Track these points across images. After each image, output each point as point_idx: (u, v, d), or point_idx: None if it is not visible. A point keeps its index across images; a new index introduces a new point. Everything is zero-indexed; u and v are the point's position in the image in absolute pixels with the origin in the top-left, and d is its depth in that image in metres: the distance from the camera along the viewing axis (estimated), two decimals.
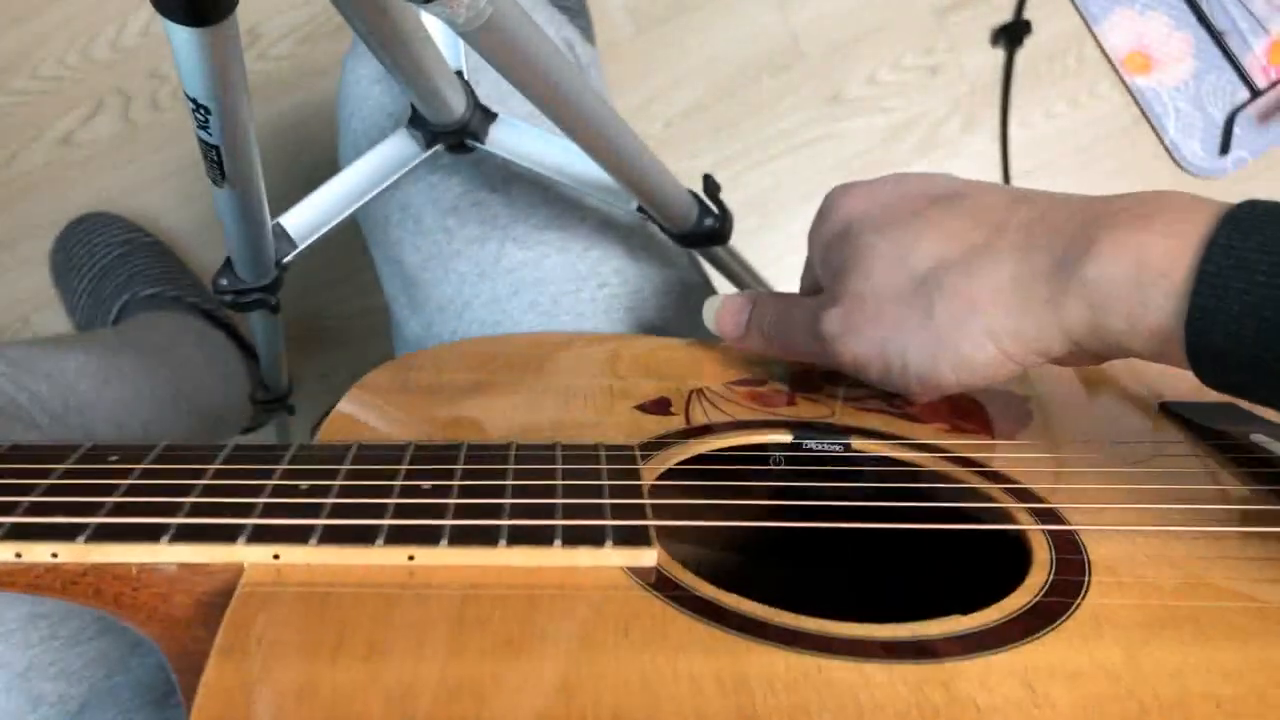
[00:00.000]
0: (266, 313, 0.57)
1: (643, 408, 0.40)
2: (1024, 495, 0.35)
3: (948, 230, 0.35)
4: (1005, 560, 0.32)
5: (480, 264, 0.54)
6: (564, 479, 0.31)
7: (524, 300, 0.53)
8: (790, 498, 0.39)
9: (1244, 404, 0.43)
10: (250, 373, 0.92)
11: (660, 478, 0.35)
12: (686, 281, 0.58)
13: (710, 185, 0.55)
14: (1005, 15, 1.05)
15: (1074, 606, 0.29)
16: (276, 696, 0.23)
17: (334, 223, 0.51)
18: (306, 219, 0.51)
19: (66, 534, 0.27)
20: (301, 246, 0.51)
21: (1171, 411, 0.43)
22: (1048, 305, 0.32)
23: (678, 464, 0.36)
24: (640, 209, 0.51)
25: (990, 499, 0.35)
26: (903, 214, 0.36)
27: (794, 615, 0.27)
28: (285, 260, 0.51)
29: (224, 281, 0.52)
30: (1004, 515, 0.34)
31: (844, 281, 0.37)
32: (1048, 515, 0.34)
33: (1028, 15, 1.04)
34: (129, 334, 0.82)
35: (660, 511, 0.31)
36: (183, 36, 0.30)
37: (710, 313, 0.44)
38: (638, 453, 0.34)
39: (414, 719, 0.23)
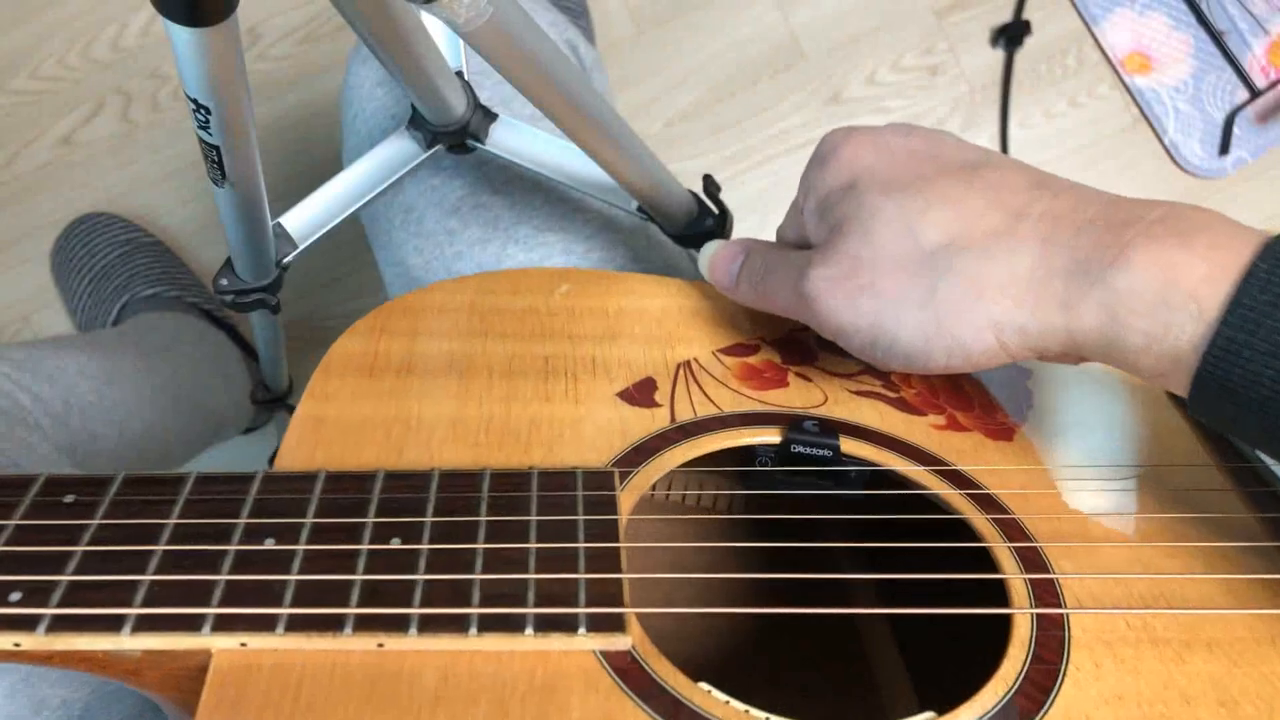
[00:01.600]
0: (267, 313, 0.57)
1: (627, 396, 0.37)
2: (1016, 534, 0.34)
3: (963, 207, 0.32)
4: (989, 610, 0.31)
5: (482, 265, 0.54)
6: (538, 538, 0.30)
7: None
8: (774, 508, 0.38)
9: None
10: (250, 372, 0.92)
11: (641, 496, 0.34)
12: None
13: (710, 185, 0.55)
14: (1005, 15, 1.05)
15: (1047, 705, 0.28)
16: None
17: (334, 223, 0.51)
18: (307, 219, 0.51)
19: (26, 624, 0.26)
20: (302, 246, 0.51)
21: (1177, 399, 0.41)
22: (1062, 307, 0.30)
23: (659, 479, 0.35)
24: (640, 209, 0.51)
25: (978, 537, 0.34)
26: (913, 178, 0.34)
27: (757, 712, 0.27)
28: (285, 260, 0.51)
29: (224, 281, 0.52)
30: (990, 563, 0.33)
31: (840, 241, 0.34)
32: (1036, 565, 0.33)
33: (1028, 15, 1.04)
34: (130, 334, 0.82)
35: (636, 552, 0.30)
36: (183, 36, 0.30)
37: (705, 259, 0.41)
38: (616, 475, 0.33)
39: None
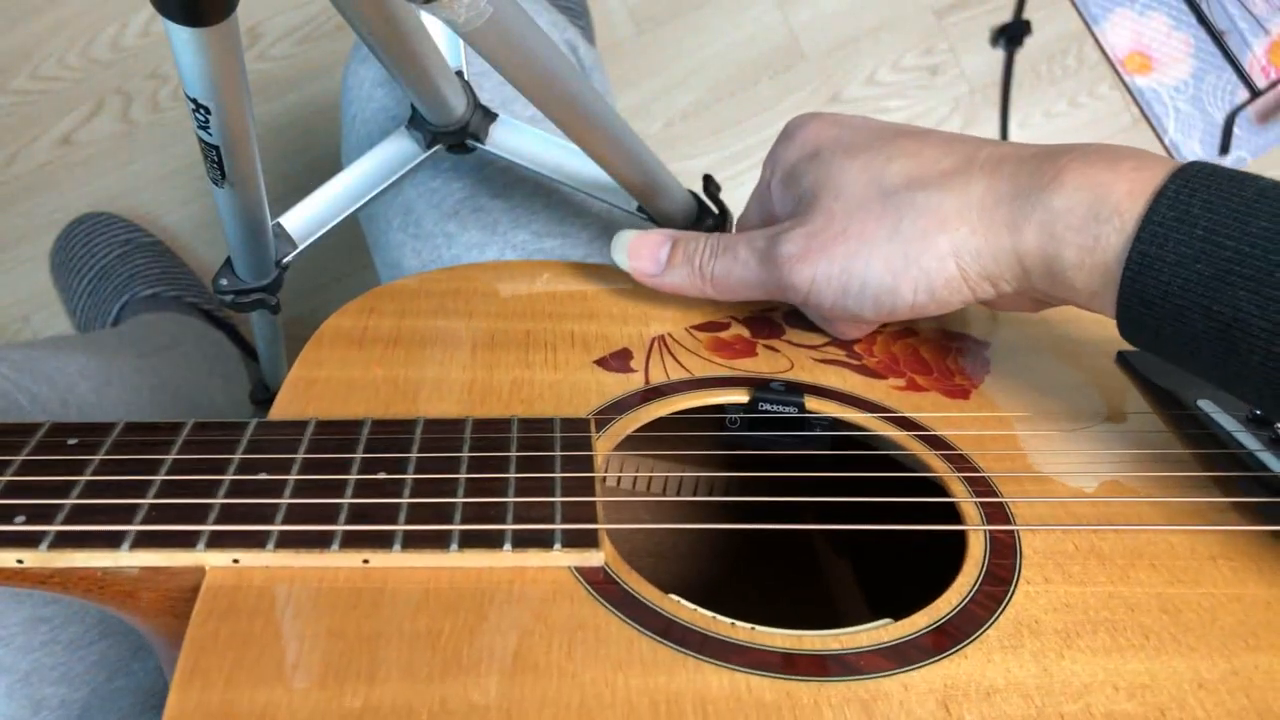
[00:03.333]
0: (266, 313, 0.57)
1: (603, 363, 0.39)
2: (966, 467, 0.36)
3: (920, 155, 0.36)
4: (944, 535, 0.33)
5: None
6: (517, 469, 0.32)
7: None
8: (743, 468, 0.39)
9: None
10: (250, 372, 0.92)
11: (617, 446, 0.35)
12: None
13: (710, 185, 0.55)
14: (1005, 15, 1.05)
15: (998, 612, 0.30)
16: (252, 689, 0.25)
17: (334, 223, 0.51)
18: (306, 219, 0.51)
19: (30, 541, 0.28)
20: (301, 246, 0.51)
21: (1127, 362, 0.44)
22: (1008, 228, 0.33)
23: (634, 431, 0.36)
24: (640, 209, 0.51)
25: (932, 470, 0.36)
26: (873, 140, 0.37)
27: (730, 624, 0.29)
28: (285, 260, 0.51)
29: (224, 281, 0.51)
30: (944, 491, 0.35)
31: (812, 202, 0.37)
32: (987, 493, 0.35)
33: (1028, 15, 1.04)
34: (129, 334, 0.82)
35: (612, 492, 0.31)
36: (183, 36, 0.30)
37: (621, 246, 0.41)
38: (593, 422, 0.35)
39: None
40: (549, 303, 0.43)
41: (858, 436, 0.38)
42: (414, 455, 0.32)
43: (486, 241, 0.54)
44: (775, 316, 0.44)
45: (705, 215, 0.54)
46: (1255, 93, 1.03)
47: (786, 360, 0.41)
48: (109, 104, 1.03)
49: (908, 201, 0.35)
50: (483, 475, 0.32)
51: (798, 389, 0.39)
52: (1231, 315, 0.29)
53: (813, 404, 0.38)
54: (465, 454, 0.32)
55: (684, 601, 0.30)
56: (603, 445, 0.34)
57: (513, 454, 0.33)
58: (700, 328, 0.42)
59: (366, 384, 0.37)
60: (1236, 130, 1.03)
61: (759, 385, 0.38)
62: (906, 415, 0.38)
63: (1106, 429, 0.39)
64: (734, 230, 0.45)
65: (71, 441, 0.31)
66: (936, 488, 0.36)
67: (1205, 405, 0.40)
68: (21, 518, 0.28)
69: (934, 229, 0.34)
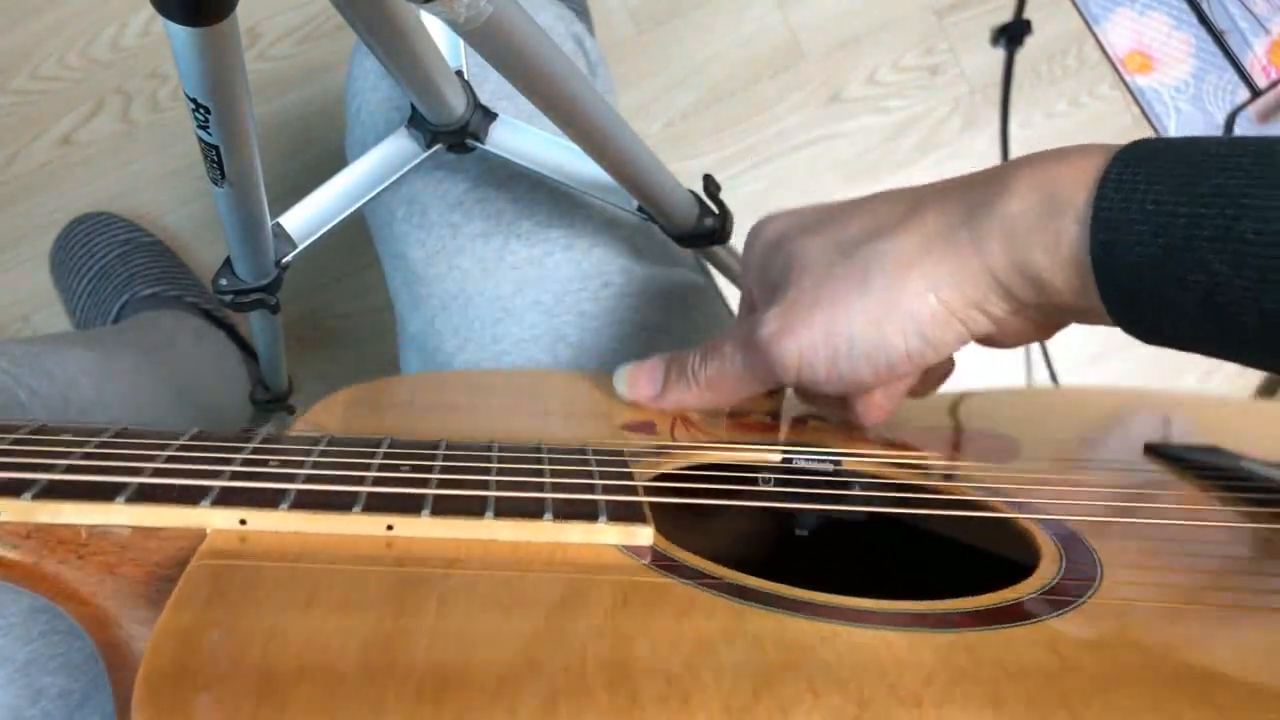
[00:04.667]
0: (266, 313, 0.57)
1: (629, 427, 0.38)
2: (1024, 507, 0.34)
3: (874, 212, 0.36)
4: (1010, 566, 0.31)
5: (484, 260, 0.54)
6: (550, 464, 0.30)
7: (528, 298, 0.53)
8: (786, 517, 0.37)
9: (1228, 445, 0.43)
10: (250, 372, 0.92)
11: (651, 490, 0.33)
12: (690, 281, 0.58)
13: (710, 185, 0.55)
14: (1005, 15, 1.05)
15: (1091, 591, 0.28)
16: (241, 639, 0.21)
17: (334, 223, 0.51)
18: (306, 219, 0.51)
19: (12, 490, 0.25)
20: (301, 246, 0.51)
21: (1158, 453, 0.42)
22: (973, 248, 0.33)
23: (669, 470, 0.34)
24: (640, 209, 0.51)
25: (991, 509, 0.34)
26: (828, 214, 0.38)
27: (807, 590, 0.26)
28: (285, 260, 0.51)
29: (224, 281, 0.51)
30: (1007, 524, 0.33)
31: (783, 283, 0.37)
32: (1051, 524, 0.33)
33: (1028, 15, 1.04)
34: (129, 333, 0.82)
35: (654, 511, 0.29)
36: (183, 36, 0.30)
37: (622, 379, 0.42)
38: (627, 456, 0.33)
39: (394, 664, 0.21)
40: (565, 393, 0.43)
41: (900, 486, 0.36)
42: (440, 453, 0.30)
43: (491, 232, 0.54)
44: (797, 409, 0.43)
45: (705, 215, 0.53)
46: (1256, 92, 1.03)
47: (815, 435, 0.39)
48: (109, 104, 1.03)
49: (870, 252, 0.35)
50: (515, 466, 0.30)
51: (832, 450, 0.37)
52: (1209, 282, 0.28)
53: (849, 463, 0.37)
54: (494, 457, 0.30)
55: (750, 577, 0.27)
56: (639, 474, 0.32)
57: (545, 464, 0.31)
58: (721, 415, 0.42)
59: (379, 428, 0.35)
60: (1237, 130, 1.03)
61: (790, 445, 0.37)
62: (950, 472, 0.37)
63: (1152, 494, 0.38)
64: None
65: (66, 435, 0.29)
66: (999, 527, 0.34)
67: (1250, 465, 0.39)
68: (11, 472, 0.25)
69: (902, 270, 0.34)
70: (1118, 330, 0.32)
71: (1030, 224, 0.32)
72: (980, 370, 1.05)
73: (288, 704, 0.19)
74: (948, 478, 0.37)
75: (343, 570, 0.24)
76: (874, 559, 0.40)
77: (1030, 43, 1.04)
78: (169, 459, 0.27)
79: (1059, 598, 0.27)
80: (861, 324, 0.34)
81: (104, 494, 0.25)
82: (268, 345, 0.72)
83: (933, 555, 0.37)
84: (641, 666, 0.21)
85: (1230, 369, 1.04)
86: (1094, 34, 1.05)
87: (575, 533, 0.26)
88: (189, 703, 0.19)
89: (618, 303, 0.54)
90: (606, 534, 0.27)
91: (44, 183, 1.03)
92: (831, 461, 0.36)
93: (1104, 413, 0.49)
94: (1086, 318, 0.33)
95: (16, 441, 0.27)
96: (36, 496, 0.24)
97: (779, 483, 0.36)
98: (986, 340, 0.36)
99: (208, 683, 0.20)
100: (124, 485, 0.25)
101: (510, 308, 0.53)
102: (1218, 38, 1.03)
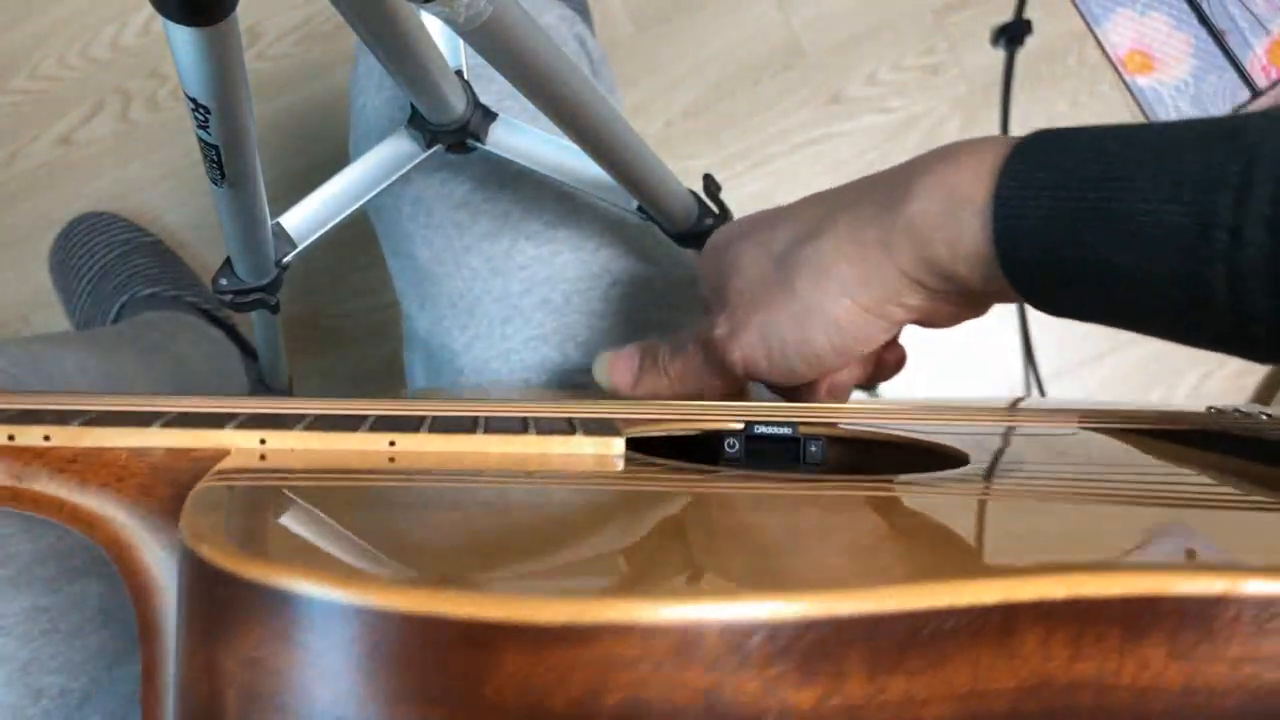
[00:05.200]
0: (266, 312, 0.57)
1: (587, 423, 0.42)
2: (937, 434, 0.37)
3: (800, 215, 0.39)
4: None
5: (492, 259, 0.54)
6: (536, 411, 0.34)
7: (536, 297, 0.53)
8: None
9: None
10: (250, 372, 0.92)
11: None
12: (697, 282, 0.58)
13: (710, 185, 0.55)
14: (1005, 15, 1.05)
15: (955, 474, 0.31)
16: (263, 509, 0.24)
17: (334, 222, 0.51)
18: (306, 219, 0.51)
19: (61, 419, 0.28)
20: (301, 246, 0.51)
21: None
22: (880, 248, 0.35)
23: (638, 434, 0.37)
24: (640, 209, 0.51)
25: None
26: (763, 219, 0.41)
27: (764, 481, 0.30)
28: (285, 260, 0.51)
29: (224, 281, 0.52)
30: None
31: (725, 290, 0.40)
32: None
33: (1028, 15, 1.04)
34: (128, 333, 0.82)
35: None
36: (183, 36, 0.30)
37: (602, 366, 0.44)
38: (602, 414, 0.36)
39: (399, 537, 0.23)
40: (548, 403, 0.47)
41: (855, 439, 0.39)
42: (441, 398, 0.34)
43: (498, 231, 0.54)
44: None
45: (705, 215, 0.54)
46: (1256, 92, 1.03)
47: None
48: (109, 104, 1.03)
49: (795, 260, 0.37)
50: (504, 407, 0.33)
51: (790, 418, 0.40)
52: (1105, 265, 0.30)
53: (805, 429, 0.39)
54: (488, 398, 0.34)
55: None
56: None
57: (531, 412, 0.34)
58: None
59: None
60: None
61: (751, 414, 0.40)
62: (903, 418, 0.39)
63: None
64: None
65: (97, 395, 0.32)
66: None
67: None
68: (54, 407, 0.29)
69: (819, 275, 0.36)
70: (1111, 331, 0.34)
71: (931, 222, 0.34)
72: (979, 373, 1.05)
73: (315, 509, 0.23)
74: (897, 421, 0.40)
75: (350, 480, 0.27)
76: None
77: (1030, 43, 1.04)
78: (196, 401, 0.31)
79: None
80: (789, 326, 0.38)
81: (143, 421, 0.28)
82: (268, 345, 0.72)
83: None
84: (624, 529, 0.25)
85: (1228, 370, 1.04)
86: (1094, 34, 1.05)
87: (556, 444, 0.30)
88: (224, 513, 0.23)
89: (627, 302, 0.54)
90: (584, 445, 0.30)
91: (44, 183, 1.03)
92: (791, 426, 0.39)
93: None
94: (1003, 297, 0.35)
95: (62, 394, 0.31)
96: (84, 424, 0.28)
97: (745, 445, 0.39)
98: (918, 324, 0.39)
99: (240, 506, 0.23)
100: (160, 414, 0.29)
101: (519, 306, 0.53)
102: (1218, 38, 1.03)
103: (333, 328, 1.04)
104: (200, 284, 0.97)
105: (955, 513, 0.27)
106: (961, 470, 0.32)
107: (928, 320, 0.38)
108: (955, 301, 0.37)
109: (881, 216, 0.35)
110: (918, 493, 0.29)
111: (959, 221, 0.33)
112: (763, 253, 0.39)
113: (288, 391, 0.86)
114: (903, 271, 0.35)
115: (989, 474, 0.32)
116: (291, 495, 0.25)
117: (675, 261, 0.58)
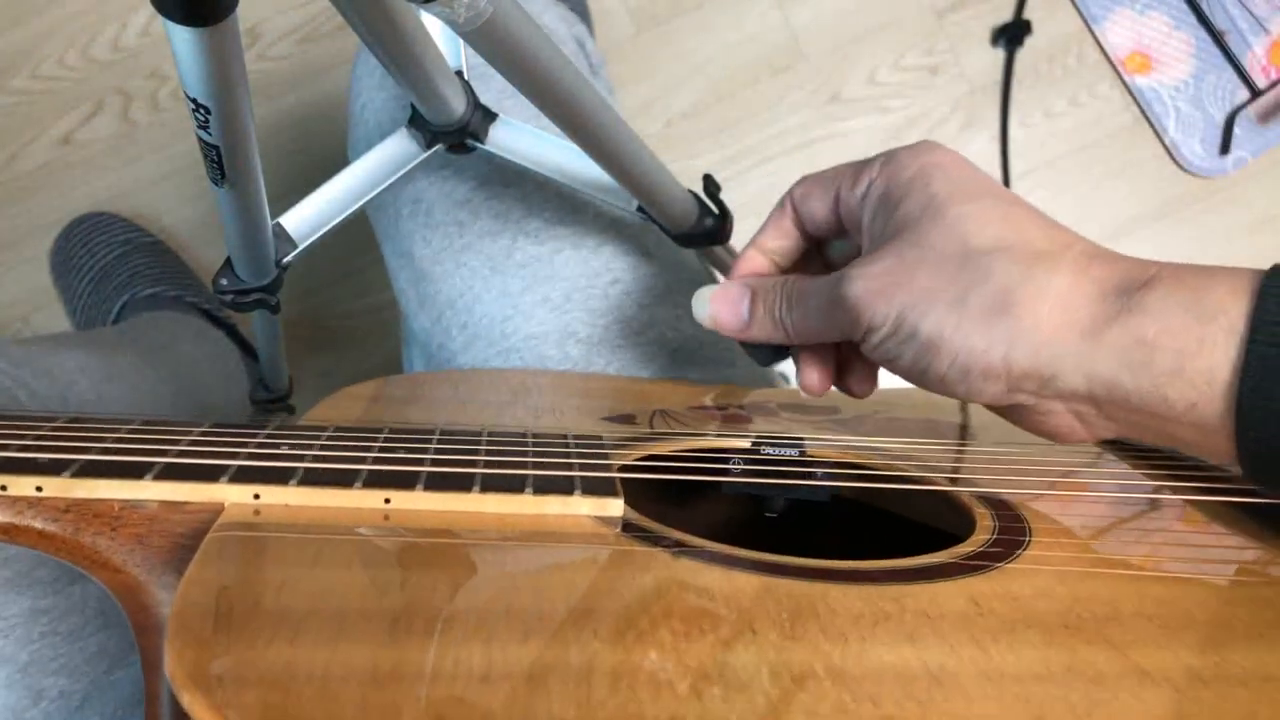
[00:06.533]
0: (266, 313, 0.57)
1: (610, 418, 0.42)
2: (972, 483, 0.37)
3: (1020, 228, 0.33)
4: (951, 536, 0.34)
5: (492, 258, 0.54)
6: (534, 449, 0.33)
7: (536, 295, 0.53)
8: (757, 501, 0.40)
9: None
10: (250, 372, 0.92)
11: (625, 470, 0.36)
12: (697, 280, 0.58)
13: (710, 185, 0.55)
14: (1005, 15, 1.05)
15: (1017, 554, 0.31)
16: (257, 587, 0.24)
17: (334, 223, 0.51)
18: (306, 219, 0.51)
19: (53, 469, 0.28)
20: (301, 246, 0.51)
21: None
22: (1086, 334, 0.30)
23: (641, 458, 0.37)
24: (640, 209, 0.51)
25: (942, 488, 0.37)
26: (983, 193, 0.34)
27: (759, 553, 0.29)
28: (285, 260, 0.51)
29: (224, 281, 0.52)
30: (956, 500, 0.36)
31: (895, 236, 0.34)
32: (991, 497, 0.36)
33: (1028, 15, 1.04)
34: (129, 333, 0.82)
35: (628, 492, 0.32)
36: (183, 36, 0.30)
37: (702, 304, 0.41)
38: (606, 442, 0.36)
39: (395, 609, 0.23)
40: (554, 392, 0.46)
41: (860, 470, 0.39)
42: (435, 437, 0.33)
43: (499, 230, 0.54)
44: (771, 405, 0.46)
45: (705, 215, 0.53)
46: (1256, 92, 1.03)
47: (784, 425, 0.43)
48: (109, 104, 1.03)
49: (985, 269, 0.32)
50: (502, 448, 0.33)
51: (798, 438, 0.40)
52: None
53: (813, 450, 0.39)
54: (484, 442, 0.34)
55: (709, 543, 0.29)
56: (616, 457, 0.35)
57: (529, 446, 0.34)
58: (699, 407, 0.45)
59: (381, 420, 0.39)
60: (1237, 130, 1.03)
61: (760, 435, 0.40)
62: (908, 455, 0.39)
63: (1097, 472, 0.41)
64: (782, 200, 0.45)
65: (91, 425, 0.32)
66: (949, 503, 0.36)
67: None
68: (49, 453, 0.28)
69: (998, 308, 0.31)
70: None
71: (1169, 323, 0.29)
72: None
73: (299, 633, 0.22)
74: (903, 459, 0.40)
75: (345, 538, 0.27)
76: (836, 538, 0.43)
77: (1030, 43, 1.04)
78: (191, 443, 0.30)
79: (981, 561, 0.30)
80: (930, 327, 0.32)
81: (134, 472, 0.28)
82: (268, 345, 0.72)
83: (887, 532, 0.40)
84: (603, 608, 0.25)
85: None
86: (1093, 34, 1.05)
87: (553, 505, 0.29)
88: (214, 634, 0.22)
89: (627, 300, 0.54)
90: (581, 506, 0.30)
91: (44, 183, 1.03)
92: (798, 449, 0.39)
93: None
94: (1156, 428, 0.31)
95: (55, 429, 0.31)
96: (75, 474, 0.27)
97: (748, 467, 0.39)
98: (1010, 413, 0.34)
99: (230, 617, 0.23)
100: (152, 464, 0.28)
101: (519, 304, 0.53)
102: (1217, 38, 1.03)
103: (333, 328, 1.04)
104: (200, 284, 0.98)
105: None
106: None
107: (1028, 415, 0.34)
108: (1085, 418, 0.32)
109: (1107, 299, 0.30)
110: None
111: (1205, 332, 0.28)
112: (959, 235, 0.33)
113: (288, 391, 0.86)
114: (1090, 371, 0.30)
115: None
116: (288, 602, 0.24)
117: (676, 261, 0.57)
